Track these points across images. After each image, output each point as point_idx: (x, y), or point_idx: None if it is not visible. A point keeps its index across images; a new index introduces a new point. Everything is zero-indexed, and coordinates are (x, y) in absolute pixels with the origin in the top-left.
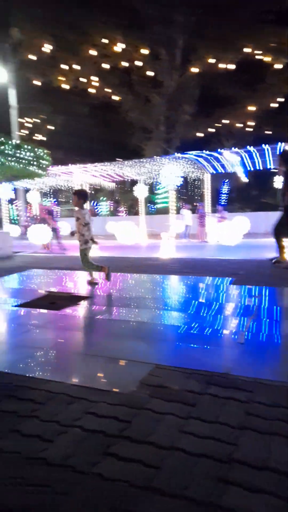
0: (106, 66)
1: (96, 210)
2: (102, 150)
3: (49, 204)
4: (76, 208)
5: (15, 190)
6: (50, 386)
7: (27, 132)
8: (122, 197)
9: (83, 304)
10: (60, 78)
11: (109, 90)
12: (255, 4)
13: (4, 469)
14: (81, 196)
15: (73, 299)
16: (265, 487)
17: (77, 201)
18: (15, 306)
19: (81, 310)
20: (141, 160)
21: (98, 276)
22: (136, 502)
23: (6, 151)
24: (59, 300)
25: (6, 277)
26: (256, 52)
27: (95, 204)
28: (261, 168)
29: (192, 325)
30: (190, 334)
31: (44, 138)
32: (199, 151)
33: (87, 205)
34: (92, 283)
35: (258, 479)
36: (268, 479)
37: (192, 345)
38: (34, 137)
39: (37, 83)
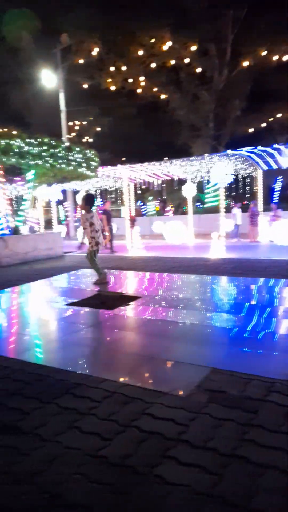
0: (153, 65)
1: (142, 210)
2: (149, 150)
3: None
4: (83, 212)
5: (64, 191)
6: (105, 385)
7: (75, 134)
8: (170, 196)
9: (134, 304)
10: (107, 80)
11: (156, 89)
12: None
13: (66, 465)
14: (88, 200)
15: (123, 299)
16: None
17: (84, 206)
18: (67, 304)
19: (132, 310)
20: (190, 158)
21: (108, 277)
22: (200, 509)
23: (59, 154)
24: (109, 300)
25: (58, 276)
26: None
27: (141, 204)
28: None
29: (248, 329)
30: (247, 337)
31: (91, 140)
32: (251, 147)
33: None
34: (101, 283)
35: None
36: None
37: (249, 349)
38: (82, 140)
39: (85, 86)
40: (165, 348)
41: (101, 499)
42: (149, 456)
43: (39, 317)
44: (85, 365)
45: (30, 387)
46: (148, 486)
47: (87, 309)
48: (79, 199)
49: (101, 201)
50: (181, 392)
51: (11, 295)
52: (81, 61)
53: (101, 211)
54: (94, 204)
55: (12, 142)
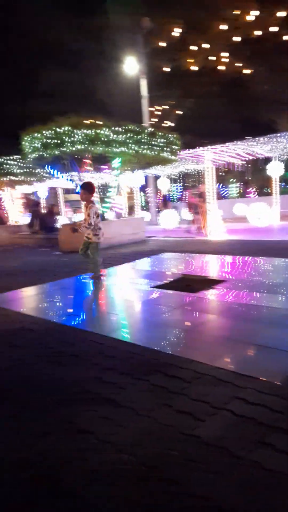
0: (237, 39)
1: (222, 193)
2: (232, 129)
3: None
4: (84, 202)
5: (146, 177)
6: (195, 366)
7: (156, 119)
8: (254, 177)
9: (219, 287)
10: (189, 60)
11: (240, 64)
12: None
13: (161, 440)
14: (87, 189)
15: (208, 282)
16: None
17: (85, 195)
18: (152, 287)
19: (217, 293)
20: (276, 135)
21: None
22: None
23: (143, 140)
24: (194, 283)
25: (142, 259)
26: None
27: (221, 186)
28: None
29: None
30: None
31: (173, 124)
32: None
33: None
34: (95, 277)
35: None
36: None
37: None
38: (163, 124)
39: (167, 69)
40: (254, 333)
41: (197, 477)
42: (244, 440)
43: (126, 298)
44: (173, 346)
45: (123, 364)
46: (244, 469)
47: (171, 291)
48: (160, 184)
49: (180, 188)
50: (274, 379)
51: (100, 278)
52: (162, 44)
53: (197, 193)
54: (94, 193)
55: (99, 131)
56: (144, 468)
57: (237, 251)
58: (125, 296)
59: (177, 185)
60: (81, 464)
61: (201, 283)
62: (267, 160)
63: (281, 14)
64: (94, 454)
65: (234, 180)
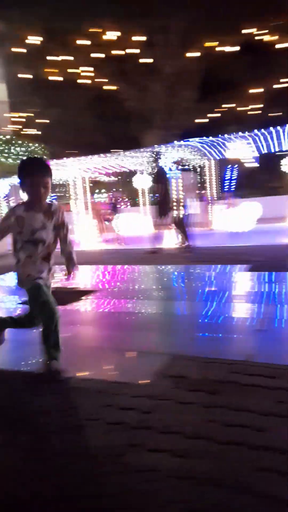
0: (99, 55)
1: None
2: (102, 141)
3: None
4: None
5: (11, 186)
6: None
7: (20, 126)
8: (124, 188)
9: (89, 298)
10: (50, 70)
11: (105, 80)
12: None
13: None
14: None
15: (79, 294)
16: None
17: None
18: (22, 303)
19: (87, 304)
20: (140, 150)
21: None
22: (165, 490)
23: None
24: (64, 296)
25: (7, 274)
26: (259, 32)
27: (93, 196)
28: (269, 152)
29: (207, 314)
30: (206, 323)
31: (39, 132)
32: (202, 137)
33: None
34: None
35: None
36: None
37: (209, 334)
38: (25, 132)
39: (25, 76)
40: (122, 338)
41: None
42: (115, 445)
43: None
44: (40, 364)
45: None
46: (115, 474)
47: None
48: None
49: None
50: (143, 380)
51: None
52: (19, 50)
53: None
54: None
55: None
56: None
57: (109, 261)
58: None
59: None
60: None
61: (71, 295)
62: (134, 173)
63: (140, 38)
64: None
65: (104, 191)
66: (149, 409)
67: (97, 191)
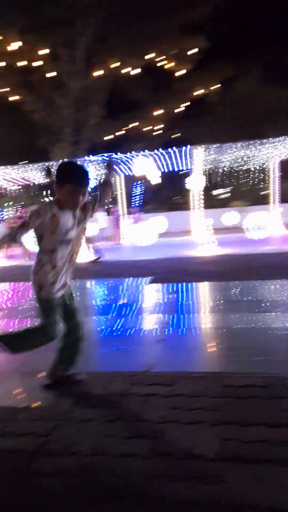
0: (1, 64)
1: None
2: (7, 152)
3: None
4: None
5: None
6: None
7: None
8: (30, 201)
9: None
10: None
11: (8, 89)
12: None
13: None
14: None
15: None
16: (191, 474)
17: None
18: None
19: None
20: (49, 163)
21: None
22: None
23: None
24: None
25: None
26: (160, 58)
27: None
28: (172, 170)
29: (111, 328)
30: (110, 337)
31: None
32: (110, 153)
33: None
34: None
35: (181, 468)
36: (192, 467)
37: (112, 348)
38: None
39: None
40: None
41: None
42: (12, 470)
43: None
44: None
45: None
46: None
47: None
48: None
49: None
50: (45, 401)
51: None
52: None
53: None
54: None
55: None
56: None
57: (9, 278)
58: None
59: None
60: None
61: None
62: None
63: (44, 51)
64: None
65: (11, 204)
66: (47, 432)
67: (6, 204)
